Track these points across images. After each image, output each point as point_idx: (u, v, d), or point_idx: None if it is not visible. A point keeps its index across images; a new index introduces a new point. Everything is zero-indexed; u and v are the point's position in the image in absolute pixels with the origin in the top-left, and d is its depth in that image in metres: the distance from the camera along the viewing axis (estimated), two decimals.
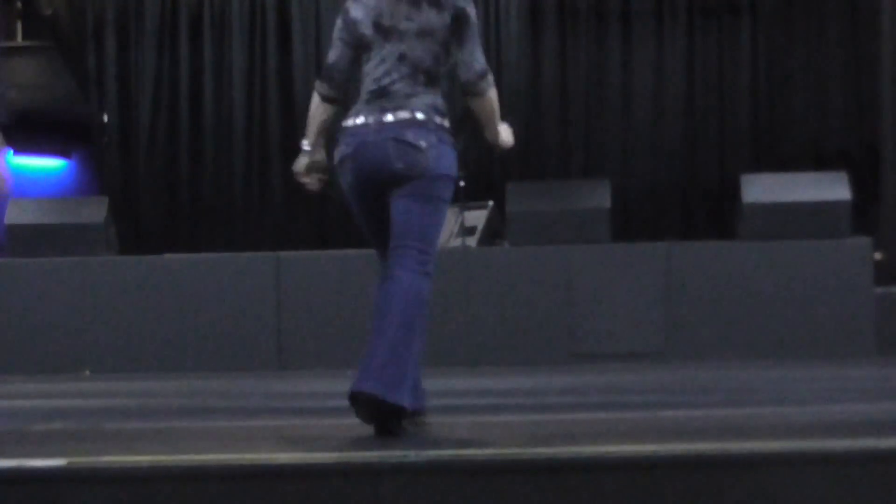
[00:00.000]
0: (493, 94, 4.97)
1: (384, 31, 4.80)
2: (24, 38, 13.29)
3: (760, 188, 9.41)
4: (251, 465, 3.72)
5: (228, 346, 9.36)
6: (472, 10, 4.86)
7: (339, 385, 6.26)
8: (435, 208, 4.81)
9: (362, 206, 4.85)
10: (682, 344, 9.09)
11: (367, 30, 4.82)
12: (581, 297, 9.18)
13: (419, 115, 4.76)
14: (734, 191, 9.72)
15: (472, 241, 10.28)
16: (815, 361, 8.59)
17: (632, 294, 9.15)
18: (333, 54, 4.88)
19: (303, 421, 5.48)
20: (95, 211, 9.93)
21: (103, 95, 13.00)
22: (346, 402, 5.81)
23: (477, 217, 10.50)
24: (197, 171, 12.77)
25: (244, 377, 8.63)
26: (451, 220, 10.59)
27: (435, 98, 4.84)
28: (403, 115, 4.75)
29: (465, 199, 10.48)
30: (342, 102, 4.88)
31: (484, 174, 11.99)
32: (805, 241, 9.16)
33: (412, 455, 3.76)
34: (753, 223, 9.27)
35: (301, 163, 4.92)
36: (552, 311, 9.18)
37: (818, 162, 11.67)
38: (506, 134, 5.10)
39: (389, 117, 4.75)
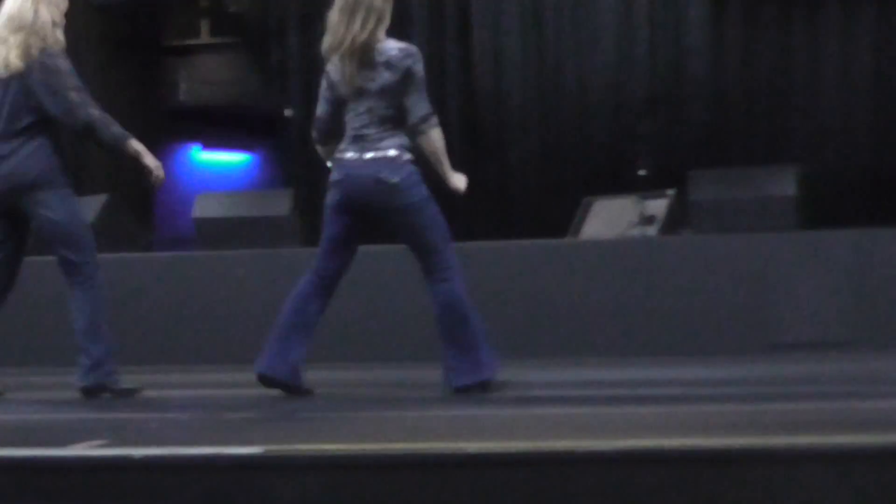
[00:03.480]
0: (435, 133, 6.15)
1: (355, 91, 6.09)
2: (209, 35, 13.59)
3: None
4: (442, 453, 3.73)
5: (408, 336, 9.42)
6: (418, 68, 6.13)
7: (525, 375, 6.28)
8: (423, 224, 6.13)
9: (338, 220, 6.21)
10: (874, 333, 8.86)
11: (342, 91, 6.14)
12: (768, 287, 9.01)
13: (391, 153, 6.07)
14: None
15: (652, 231, 10.18)
16: None
17: (820, 283, 8.94)
18: (319, 110, 6.31)
19: (485, 411, 5.48)
20: (281, 203, 10.08)
21: (286, 90, 13.22)
22: (537, 391, 5.83)
23: (657, 206, 10.39)
24: None
25: (422, 366, 8.66)
26: (629, 209, 10.51)
27: (401, 138, 6.11)
28: (379, 154, 6.06)
29: (645, 187, 10.39)
30: (332, 144, 6.27)
31: (665, 162, 11.87)
32: None
33: (603, 445, 3.74)
34: None
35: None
36: (738, 300, 9.02)
37: None
38: (458, 180, 6.32)
39: (369, 154, 6.08)
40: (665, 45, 12.72)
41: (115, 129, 6.34)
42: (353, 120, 6.15)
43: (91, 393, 6.30)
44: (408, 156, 6.13)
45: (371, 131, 6.10)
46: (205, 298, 9.64)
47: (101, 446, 4.05)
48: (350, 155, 6.14)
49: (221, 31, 13.55)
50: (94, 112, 6.31)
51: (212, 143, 14.39)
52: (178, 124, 13.76)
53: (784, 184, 9.41)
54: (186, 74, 13.76)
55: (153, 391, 6.48)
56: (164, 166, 6.59)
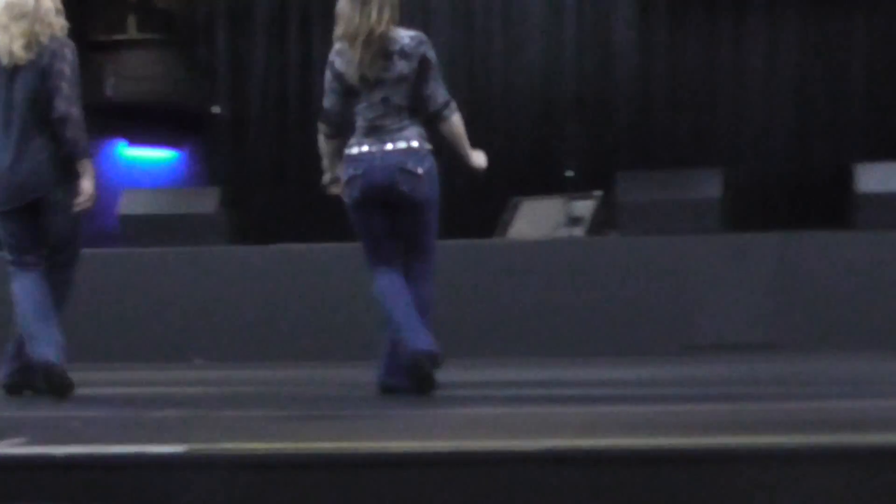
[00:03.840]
0: (456, 118, 6.05)
1: (368, 81, 5.89)
2: (137, 31, 13.48)
3: (876, 177, 9.26)
4: (367, 453, 3.74)
5: (338, 336, 9.41)
6: (432, 54, 6.01)
7: (448, 375, 6.28)
8: (429, 221, 6.07)
9: (364, 217, 5.97)
10: (796, 335, 8.97)
11: (353, 81, 5.92)
12: (692, 288, 9.10)
13: (413, 144, 5.91)
14: (848, 180, 9.58)
15: (579, 231, 10.24)
16: None
17: (744, 284, 9.04)
18: (328, 102, 6.04)
19: (416, 410, 5.50)
20: (207, 201, 10.04)
21: (214, 87, 13.15)
22: (460, 391, 5.85)
23: (584, 207, 10.46)
24: (307, 161, 12.83)
25: (355, 366, 8.67)
26: (558, 209, 10.56)
27: (419, 128, 5.97)
28: (401, 144, 5.89)
29: (572, 189, 10.46)
30: (342, 136, 6.04)
31: (593, 164, 11.94)
32: None
33: (526, 445, 3.76)
34: (868, 213, 9.12)
35: (326, 178, 6.16)
36: (662, 301, 9.11)
37: None
38: (479, 158, 6.21)
39: (389, 146, 5.89)
40: (592, 47, 12.79)
41: (83, 139, 6.15)
42: (367, 111, 5.94)
43: (13, 391, 6.24)
44: (428, 146, 5.98)
45: (387, 122, 5.90)
46: (130, 295, 9.57)
47: (22, 444, 4.01)
48: (367, 148, 5.92)
49: (149, 26, 13.44)
50: (74, 111, 6.13)
51: (138, 139, 14.26)
52: (104, 120, 13.61)
53: (709, 186, 9.50)
54: (113, 70, 13.62)
55: (76, 389, 6.42)
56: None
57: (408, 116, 5.93)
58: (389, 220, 6.00)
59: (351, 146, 5.97)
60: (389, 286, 6.03)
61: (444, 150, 6.20)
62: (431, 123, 6.03)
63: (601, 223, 10.33)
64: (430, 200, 5.99)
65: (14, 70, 6.16)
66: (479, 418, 4.94)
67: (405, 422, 4.89)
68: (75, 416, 5.21)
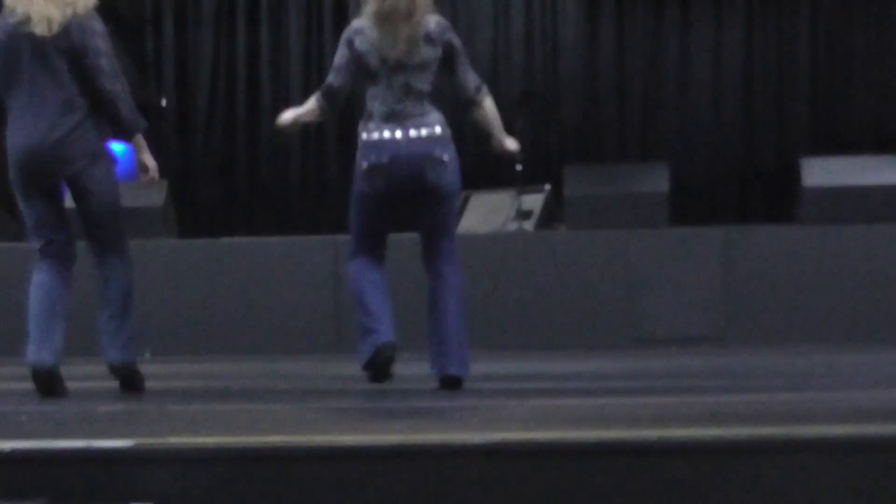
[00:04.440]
0: (489, 101, 5.93)
1: (390, 65, 5.71)
2: None
3: (821, 171, 9.35)
4: (317, 446, 3.74)
5: (286, 329, 9.40)
6: (457, 41, 5.85)
7: (397, 369, 6.29)
8: (453, 207, 5.99)
9: (378, 209, 5.86)
10: (742, 328, 9.05)
11: (373, 63, 5.74)
12: (639, 282, 9.16)
13: (438, 130, 5.77)
14: (794, 174, 9.67)
15: (528, 225, 10.27)
16: (877, 346, 8.53)
17: (690, 278, 9.11)
18: (339, 79, 5.83)
19: (365, 403, 5.50)
20: (154, 194, 9.97)
21: (161, 79, 13.08)
22: (405, 384, 5.87)
23: (534, 201, 10.49)
24: (254, 154, 12.83)
25: (303, 360, 8.67)
26: (507, 203, 10.59)
27: (440, 115, 5.81)
28: (426, 131, 5.73)
29: (522, 182, 10.48)
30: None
31: (541, 158, 11.98)
32: (866, 226, 9.09)
33: (475, 438, 3.77)
34: (814, 207, 9.21)
35: (288, 116, 5.99)
36: (610, 295, 9.16)
37: (879, 145, 11.57)
38: (511, 142, 6.08)
39: (413, 133, 5.72)
40: (540, 41, 12.82)
41: (134, 111, 5.94)
42: (385, 95, 5.75)
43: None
44: (449, 132, 5.85)
45: (408, 107, 5.74)
46: (76, 289, 9.48)
47: None
48: (389, 134, 5.74)
49: None
50: (119, 86, 5.86)
51: None
52: None
53: (656, 180, 9.56)
54: None
55: (23, 383, 6.38)
56: None
57: (428, 102, 5.80)
58: (401, 215, 5.91)
59: (370, 131, 5.79)
60: (366, 270, 6.02)
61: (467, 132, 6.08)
62: (465, 110, 5.93)
63: (550, 217, 10.37)
64: (455, 188, 5.87)
65: (41, 44, 5.77)
66: (425, 411, 4.94)
67: (351, 415, 4.89)
68: (23, 410, 5.18)
